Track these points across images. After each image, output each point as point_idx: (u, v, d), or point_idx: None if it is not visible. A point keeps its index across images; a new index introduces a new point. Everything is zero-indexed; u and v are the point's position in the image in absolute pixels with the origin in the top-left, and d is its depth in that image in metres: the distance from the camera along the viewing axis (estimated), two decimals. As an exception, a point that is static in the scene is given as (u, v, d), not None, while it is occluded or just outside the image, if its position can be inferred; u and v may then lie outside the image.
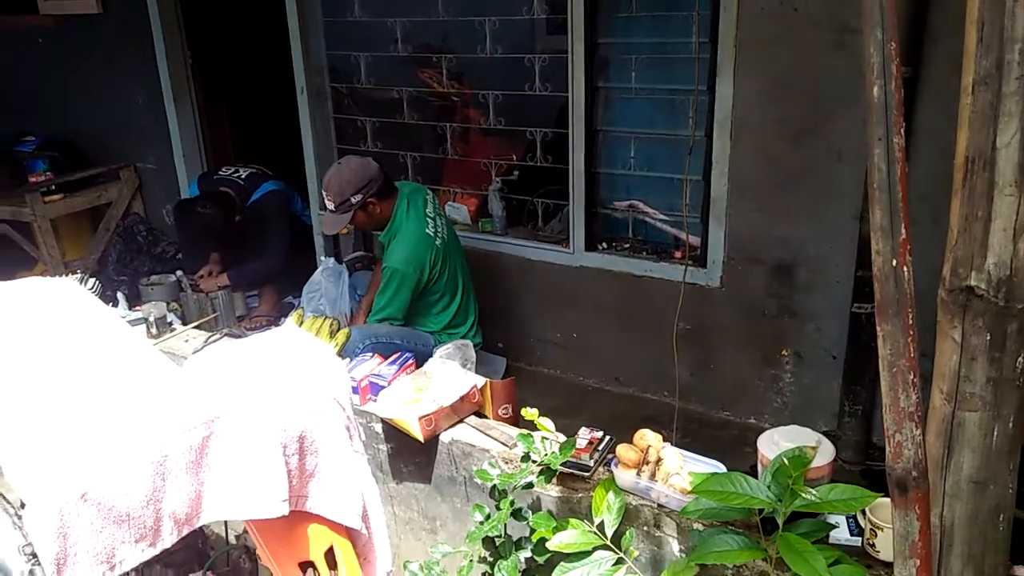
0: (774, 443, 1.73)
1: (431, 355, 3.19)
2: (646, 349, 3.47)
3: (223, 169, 4.32)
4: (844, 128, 2.80)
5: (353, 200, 3.06)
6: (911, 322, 1.11)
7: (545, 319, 3.75)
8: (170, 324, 2.80)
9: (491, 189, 3.80)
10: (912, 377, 1.14)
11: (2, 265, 4.48)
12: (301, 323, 2.49)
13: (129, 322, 2.79)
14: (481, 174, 3.91)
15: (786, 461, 1.51)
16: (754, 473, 2.85)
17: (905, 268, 1.09)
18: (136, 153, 5.00)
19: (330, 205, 3.13)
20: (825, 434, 3.16)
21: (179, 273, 4.68)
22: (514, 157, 3.80)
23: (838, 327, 3.00)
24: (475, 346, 3.33)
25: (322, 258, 4.03)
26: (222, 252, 4.34)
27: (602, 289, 3.53)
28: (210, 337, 2.63)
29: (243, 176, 4.23)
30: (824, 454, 1.67)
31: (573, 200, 3.49)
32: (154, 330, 2.73)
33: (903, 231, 1.07)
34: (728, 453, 3.18)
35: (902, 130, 1.05)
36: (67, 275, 2.00)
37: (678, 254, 3.35)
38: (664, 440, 1.88)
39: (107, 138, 5.03)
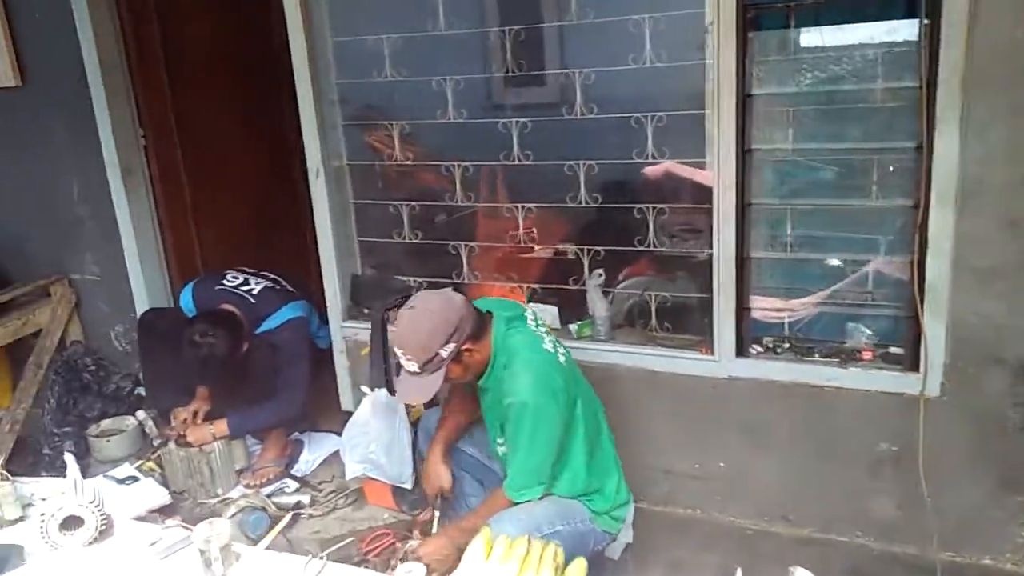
0: None
1: (593, 533, 2.33)
2: (829, 478, 2.70)
3: (228, 277, 3.21)
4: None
5: (444, 353, 2.15)
6: None
7: (677, 446, 2.92)
8: (232, 551, 1.77)
9: (590, 284, 2.96)
10: None
11: None
12: (491, 548, 1.60)
13: (162, 551, 1.79)
14: (568, 265, 3.07)
15: None
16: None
17: None
18: (72, 261, 3.88)
19: (412, 367, 2.17)
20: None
21: (140, 415, 3.58)
22: (612, 241, 2.99)
23: (1111, 439, 2.34)
24: (625, 504, 2.47)
25: (365, 389, 3.04)
26: (212, 387, 3.27)
27: (762, 405, 2.74)
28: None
29: (256, 292, 3.15)
30: None
31: (719, 294, 2.71)
32: (219, 569, 1.70)
33: None
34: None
35: None
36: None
37: (867, 354, 2.62)
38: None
39: (32, 245, 3.90)
